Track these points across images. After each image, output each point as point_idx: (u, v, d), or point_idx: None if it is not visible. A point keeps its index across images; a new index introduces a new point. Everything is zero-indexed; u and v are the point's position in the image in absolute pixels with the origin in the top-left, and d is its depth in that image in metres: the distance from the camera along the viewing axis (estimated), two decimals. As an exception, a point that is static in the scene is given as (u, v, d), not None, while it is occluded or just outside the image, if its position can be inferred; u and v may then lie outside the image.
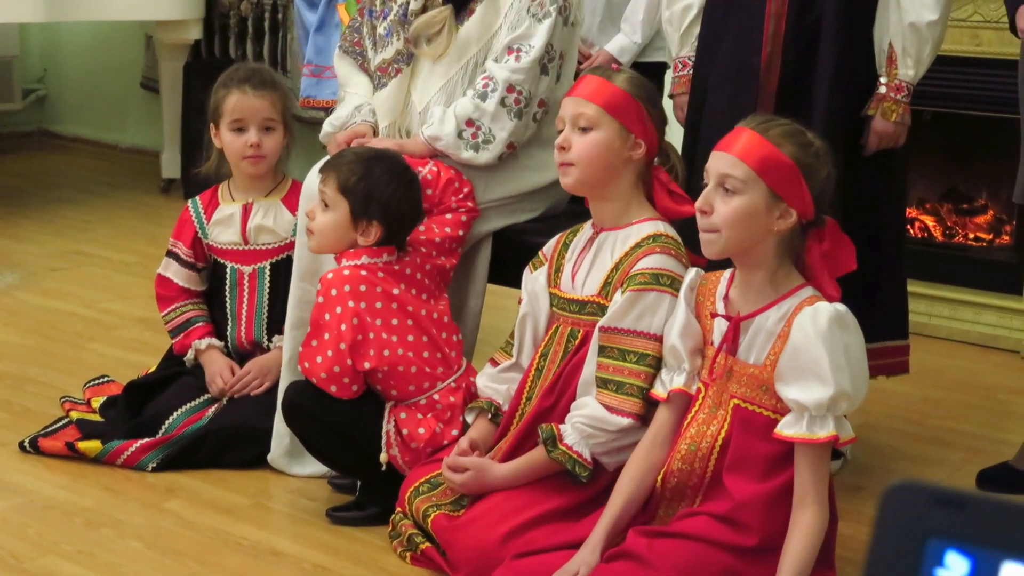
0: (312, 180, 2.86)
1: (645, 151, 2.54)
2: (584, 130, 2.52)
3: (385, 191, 2.69)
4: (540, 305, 2.67)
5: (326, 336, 2.66)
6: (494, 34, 2.92)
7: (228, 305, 3.24)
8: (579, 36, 3.10)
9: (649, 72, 3.53)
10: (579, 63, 3.67)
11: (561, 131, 2.57)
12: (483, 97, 2.87)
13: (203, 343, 3.19)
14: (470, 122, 2.86)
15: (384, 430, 2.72)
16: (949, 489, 0.59)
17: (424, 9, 2.96)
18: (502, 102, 2.86)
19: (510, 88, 2.86)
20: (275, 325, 3.17)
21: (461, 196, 2.86)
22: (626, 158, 2.53)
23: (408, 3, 2.99)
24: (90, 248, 5.07)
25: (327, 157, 2.86)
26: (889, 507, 0.61)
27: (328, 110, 3.86)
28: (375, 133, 2.98)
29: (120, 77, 7.03)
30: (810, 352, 2.18)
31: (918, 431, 3.44)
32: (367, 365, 2.67)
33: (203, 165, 3.27)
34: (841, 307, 2.21)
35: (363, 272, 2.70)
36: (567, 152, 2.53)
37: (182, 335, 3.22)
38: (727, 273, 2.36)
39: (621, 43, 3.70)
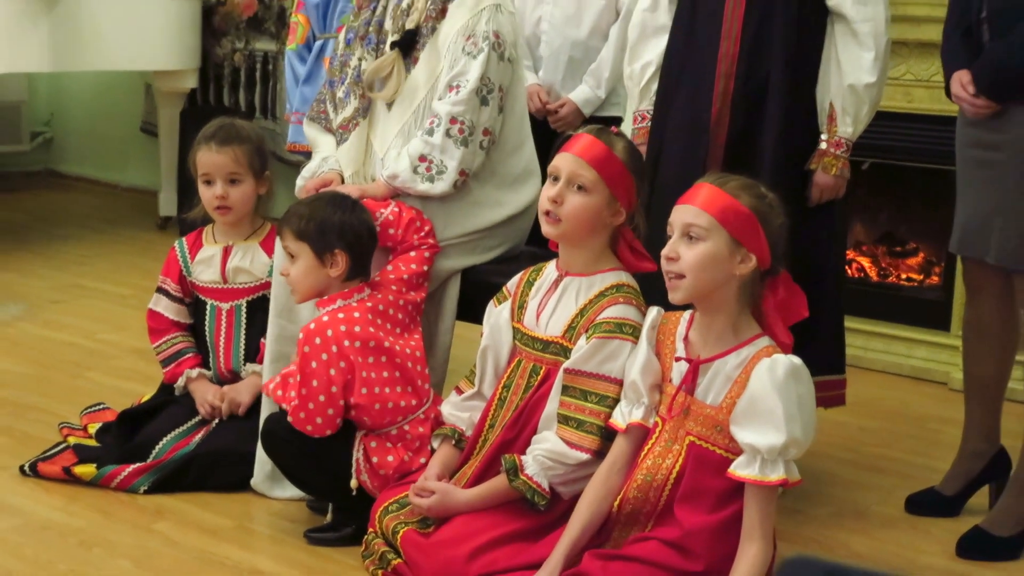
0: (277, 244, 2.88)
1: (624, 216, 2.54)
2: (580, 189, 2.49)
3: (334, 219, 2.69)
4: (502, 338, 2.66)
5: (315, 383, 2.62)
6: (438, 76, 2.93)
7: (208, 338, 3.23)
8: (522, 73, 3.09)
9: (607, 123, 3.55)
10: (548, 114, 3.70)
11: (554, 178, 2.52)
12: (430, 133, 2.87)
13: (194, 372, 3.18)
14: (422, 157, 2.87)
15: (354, 458, 2.70)
16: (837, 564, 0.59)
17: None
18: (447, 133, 2.86)
19: (453, 120, 2.86)
20: (251, 356, 3.17)
21: (423, 234, 2.85)
22: (606, 223, 2.53)
23: (361, 65, 3.03)
24: (89, 282, 5.03)
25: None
26: (784, 579, 0.61)
27: (310, 155, 3.87)
28: (341, 180, 2.99)
29: (121, 122, 7.01)
30: (766, 401, 2.18)
31: (853, 458, 3.43)
32: (353, 400, 2.66)
33: (193, 210, 3.26)
34: (797, 360, 2.22)
35: (340, 314, 2.68)
36: (559, 207, 2.50)
37: (173, 365, 3.21)
38: (687, 314, 2.37)
39: (586, 95, 3.71)
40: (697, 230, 2.24)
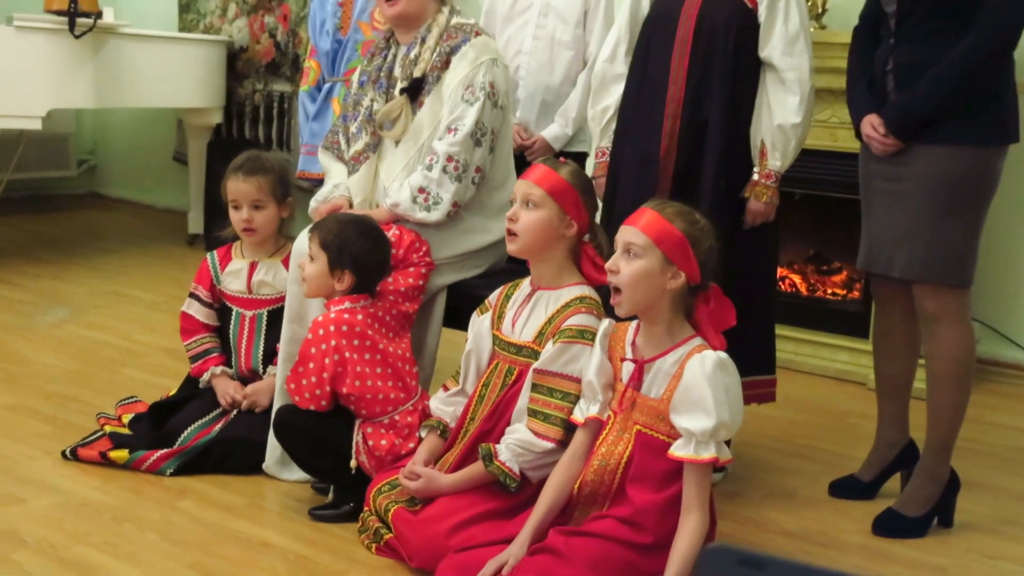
0: (302, 240, 2.86)
1: (577, 230, 2.55)
2: (531, 206, 2.52)
3: (354, 247, 2.69)
4: (483, 343, 2.66)
5: (311, 365, 2.66)
6: (440, 120, 2.93)
7: (232, 340, 3.22)
8: (510, 117, 3.09)
9: (573, 159, 3.56)
10: (523, 148, 3.71)
11: (511, 202, 2.57)
12: (429, 168, 2.88)
13: (218, 369, 3.18)
14: (421, 189, 2.87)
15: (354, 441, 2.70)
16: (750, 552, 0.59)
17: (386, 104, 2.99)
18: (444, 170, 2.86)
19: (449, 158, 2.87)
20: (268, 358, 3.16)
21: (420, 253, 2.86)
22: (560, 234, 2.54)
23: (372, 105, 3.02)
24: (126, 289, 5.02)
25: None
26: (704, 565, 0.61)
27: (318, 181, 3.87)
28: (350, 205, 2.99)
29: (156, 151, 7.00)
30: (698, 390, 2.19)
31: (784, 448, 3.44)
32: (344, 390, 2.67)
33: (225, 230, 3.27)
34: (723, 355, 2.23)
35: (346, 315, 2.69)
36: (515, 223, 2.54)
37: (200, 361, 3.20)
38: (634, 324, 2.37)
39: (555, 132, 3.72)
40: (636, 248, 2.26)
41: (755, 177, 2.94)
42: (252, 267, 3.21)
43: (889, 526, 2.82)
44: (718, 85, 2.89)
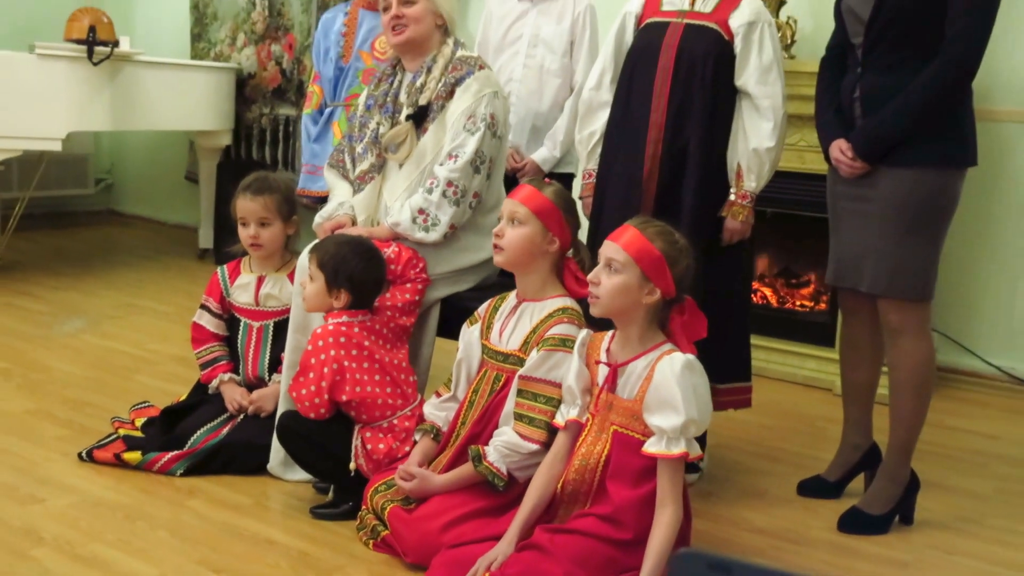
0: (304, 257, 2.85)
1: (559, 246, 2.55)
2: (516, 223, 2.53)
3: (349, 267, 2.69)
4: (473, 352, 2.66)
5: (311, 375, 2.66)
6: (442, 146, 2.92)
7: (239, 349, 3.21)
8: (506, 146, 3.10)
9: (561, 179, 3.57)
10: (515, 170, 3.71)
11: (499, 219, 2.58)
12: (429, 191, 2.87)
13: (226, 376, 3.17)
14: (421, 211, 2.87)
15: (353, 445, 2.70)
16: (719, 557, 0.59)
17: (391, 128, 2.98)
18: (443, 194, 2.86)
19: (449, 183, 2.86)
20: (273, 366, 3.15)
21: (417, 270, 2.85)
22: (544, 250, 2.54)
23: (378, 128, 3.01)
24: (140, 301, 5.01)
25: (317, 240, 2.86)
26: (675, 570, 0.61)
27: (318, 199, 3.87)
28: (353, 223, 2.98)
29: (169, 171, 6.99)
30: (668, 389, 2.19)
31: (756, 450, 3.44)
32: (344, 397, 2.66)
33: (234, 246, 3.26)
34: (691, 356, 2.23)
35: (344, 328, 2.69)
36: (501, 239, 2.55)
37: (209, 368, 3.20)
38: (609, 333, 2.37)
39: (544, 155, 3.72)
40: (616, 264, 2.26)
41: (732, 197, 2.95)
42: (259, 281, 3.20)
43: (854, 523, 2.82)
44: (697, 112, 2.90)
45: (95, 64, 5.03)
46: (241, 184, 3.18)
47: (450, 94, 2.93)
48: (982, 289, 4.29)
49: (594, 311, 2.29)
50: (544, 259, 2.56)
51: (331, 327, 2.69)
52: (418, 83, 2.97)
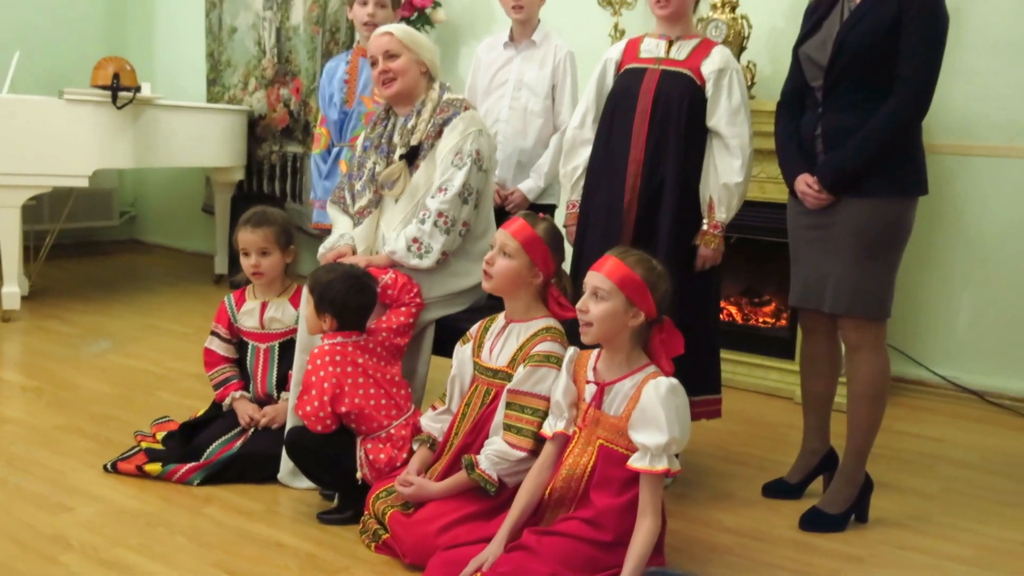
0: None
1: (543, 278, 2.56)
2: (505, 255, 2.52)
3: (333, 294, 2.69)
4: (466, 369, 2.65)
5: (313, 392, 2.65)
6: (433, 181, 2.92)
7: (249, 369, 3.19)
8: (492, 178, 3.09)
9: (545, 209, 3.57)
10: (503, 198, 3.70)
11: (491, 247, 2.57)
12: (423, 222, 2.87)
13: (237, 394, 3.15)
14: (415, 240, 2.86)
15: (357, 456, 2.68)
16: (683, 574, 0.58)
17: (386, 167, 2.98)
18: (435, 224, 2.86)
19: (440, 214, 2.86)
20: (281, 382, 3.13)
21: (412, 294, 2.84)
22: (528, 282, 2.54)
23: (375, 167, 3.01)
24: (161, 323, 4.98)
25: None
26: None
27: (330, 231, 3.85)
28: (353, 252, 2.97)
29: (187, 203, 6.97)
30: (653, 411, 2.19)
31: (724, 455, 3.43)
32: (344, 409, 2.65)
33: (238, 276, 3.23)
34: (675, 381, 2.23)
35: (339, 347, 2.68)
36: (491, 267, 2.54)
37: (222, 388, 3.17)
38: (595, 352, 2.37)
39: (530, 185, 3.71)
40: (602, 292, 2.25)
41: (704, 227, 2.94)
42: (263, 306, 3.18)
43: (814, 522, 2.82)
44: (672, 149, 2.90)
45: (119, 108, 5.02)
46: (241, 219, 3.16)
47: (439, 133, 2.94)
48: (928, 306, 4.31)
49: (586, 339, 2.28)
50: (529, 287, 2.56)
51: (327, 347, 2.68)
52: (409, 125, 2.98)
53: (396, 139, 3.01)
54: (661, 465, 2.18)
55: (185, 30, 6.82)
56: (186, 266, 6.69)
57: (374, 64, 3.01)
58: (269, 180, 6.26)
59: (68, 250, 6.69)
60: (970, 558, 2.68)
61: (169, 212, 7.19)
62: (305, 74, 6.08)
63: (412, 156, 2.95)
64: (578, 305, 2.29)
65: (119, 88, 5.00)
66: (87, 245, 6.98)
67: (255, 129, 6.27)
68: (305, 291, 2.81)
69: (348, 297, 2.70)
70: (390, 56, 2.97)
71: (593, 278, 2.28)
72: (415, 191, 2.94)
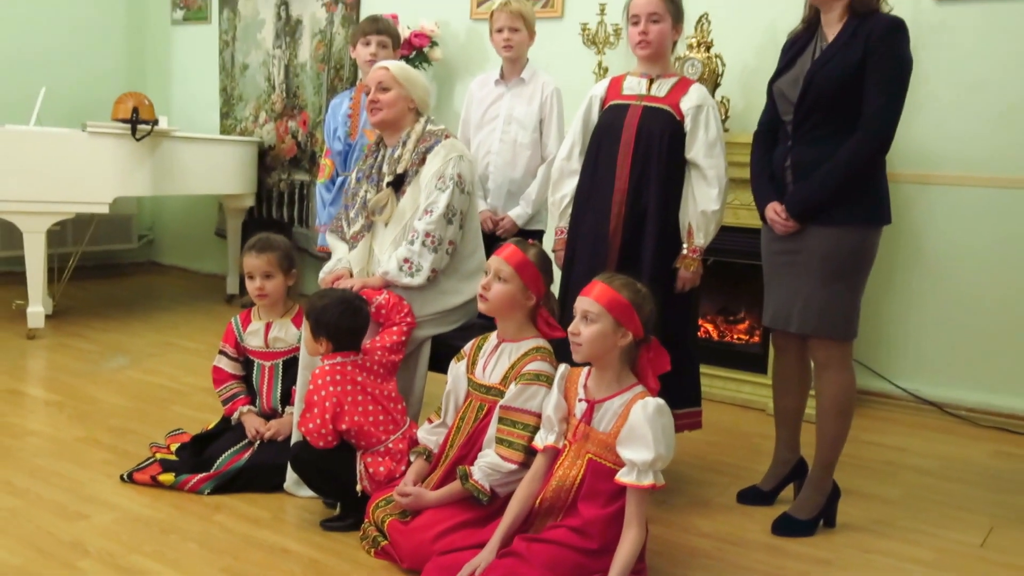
0: None
1: (535, 301, 2.54)
2: (500, 280, 2.50)
3: (324, 318, 2.67)
4: (460, 385, 2.63)
5: (315, 410, 2.62)
6: (419, 205, 2.92)
7: (255, 385, 3.17)
8: (476, 200, 3.08)
9: (533, 235, 3.56)
10: (494, 224, 3.70)
11: (486, 272, 2.55)
12: (412, 243, 2.87)
13: (245, 408, 3.12)
14: (406, 259, 2.86)
15: (358, 469, 2.65)
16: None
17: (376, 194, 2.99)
18: (423, 244, 2.85)
19: (427, 234, 2.85)
20: (285, 397, 3.11)
21: (403, 313, 2.83)
22: (521, 304, 2.53)
23: (366, 196, 3.02)
24: (176, 340, 4.94)
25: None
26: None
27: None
28: (350, 274, 2.97)
29: (201, 228, 6.94)
30: (641, 429, 2.17)
31: (701, 463, 3.41)
32: (344, 426, 2.63)
33: (244, 297, 3.21)
34: (661, 402, 2.21)
35: (338, 367, 2.67)
36: (488, 292, 2.52)
37: (230, 403, 3.15)
38: (585, 369, 2.35)
39: (519, 212, 3.70)
40: (591, 315, 2.24)
41: (684, 252, 2.94)
42: (268, 326, 3.16)
43: (785, 527, 2.80)
44: (654, 180, 2.90)
45: (138, 139, 5.01)
46: (247, 244, 3.15)
47: (422, 160, 2.94)
48: (891, 325, 4.30)
49: (577, 357, 2.27)
50: (521, 309, 2.54)
51: (327, 367, 2.66)
52: (396, 155, 2.99)
53: (385, 168, 3.01)
54: (647, 480, 2.16)
55: (200, 67, 6.81)
56: (200, 286, 6.66)
57: (367, 93, 3.02)
58: (278, 206, 6.25)
59: (89, 272, 6.66)
60: (931, 560, 2.66)
61: (184, 236, 7.16)
62: (311, 108, 6.08)
63: (399, 183, 2.95)
64: (570, 328, 2.28)
65: (138, 121, 4.99)
66: (107, 267, 6.95)
67: (265, 159, 6.26)
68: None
69: (341, 320, 2.68)
70: (382, 88, 2.98)
71: (583, 302, 2.27)
72: (402, 215, 2.94)
